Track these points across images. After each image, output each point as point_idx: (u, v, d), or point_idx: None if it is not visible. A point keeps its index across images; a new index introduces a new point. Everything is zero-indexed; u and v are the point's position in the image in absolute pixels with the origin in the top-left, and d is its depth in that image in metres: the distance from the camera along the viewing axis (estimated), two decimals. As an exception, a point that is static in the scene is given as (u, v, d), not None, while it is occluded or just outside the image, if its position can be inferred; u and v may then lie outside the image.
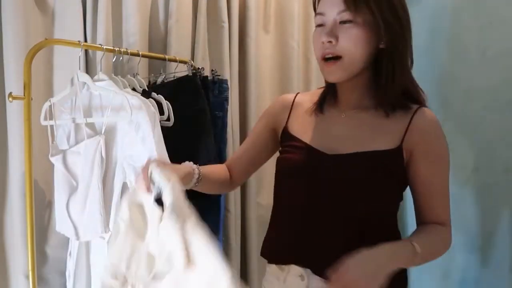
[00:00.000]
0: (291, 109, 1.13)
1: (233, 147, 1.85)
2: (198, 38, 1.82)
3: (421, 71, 2.23)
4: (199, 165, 1.04)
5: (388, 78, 0.95)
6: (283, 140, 1.12)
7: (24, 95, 1.17)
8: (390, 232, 1.02)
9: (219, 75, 1.64)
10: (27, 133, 1.18)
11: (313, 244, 0.96)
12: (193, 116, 1.46)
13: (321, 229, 0.95)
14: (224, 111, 1.65)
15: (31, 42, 1.42)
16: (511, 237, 1.71)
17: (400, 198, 1.04)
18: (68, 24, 1.61)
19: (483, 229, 1.83)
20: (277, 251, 1.05)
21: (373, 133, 1.00)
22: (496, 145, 1.76)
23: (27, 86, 1.16)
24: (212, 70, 1.66)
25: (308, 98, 1.13)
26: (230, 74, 1.87)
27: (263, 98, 1.98)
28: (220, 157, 1.64)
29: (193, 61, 1.75)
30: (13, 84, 1.46)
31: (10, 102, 1.20)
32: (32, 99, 1.20)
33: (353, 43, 0.90)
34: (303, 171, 0.92)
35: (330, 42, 0.91)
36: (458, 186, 1.96)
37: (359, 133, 1.01)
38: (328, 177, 0.93)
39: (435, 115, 1.00)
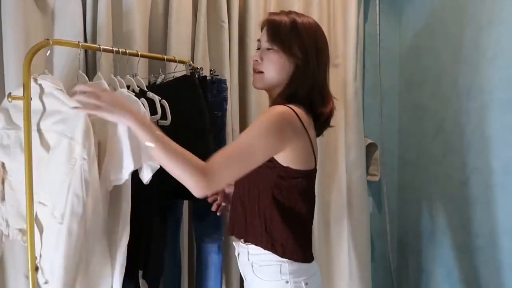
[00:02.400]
0: None
1: (233, 147, 1.84)
2: (198, 38, 1.83)
3: (421, 71, 2.25)
4: None
5: (290, 93, 1.21)
6: None
7: (23, 95, 1.17)
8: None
9: (217, 75, 1.64)
10: (27, 133, 1.18)
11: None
12: (192, 116, 1.46)
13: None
14: (223, 111, 1.64)
15: (31, 42, 1.43)
16: (511, 236, 1.71)
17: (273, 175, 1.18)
18: (68, 24, 1.62)
19: (483, 229, 1.82)
20: None
21: None
22: (495, 145, 1.76)
23: (26, 86, 1.16)
24: (211, 70, 1.65)
25: None
26: (230, 74, 1.87)
27: (263, 98, 1.97)
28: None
29: (193, 61, 1.75)
30: (13, 84, 1.47)
31: (10, 102, 1.20)
32: (31, 99, 1.20)
33: (270, 64, 1.22)
34: None
35: (257, 60, 1.24)
36: (458, 186, 1.96)
37: None
38: None
39: (283, 109, 1.16)
